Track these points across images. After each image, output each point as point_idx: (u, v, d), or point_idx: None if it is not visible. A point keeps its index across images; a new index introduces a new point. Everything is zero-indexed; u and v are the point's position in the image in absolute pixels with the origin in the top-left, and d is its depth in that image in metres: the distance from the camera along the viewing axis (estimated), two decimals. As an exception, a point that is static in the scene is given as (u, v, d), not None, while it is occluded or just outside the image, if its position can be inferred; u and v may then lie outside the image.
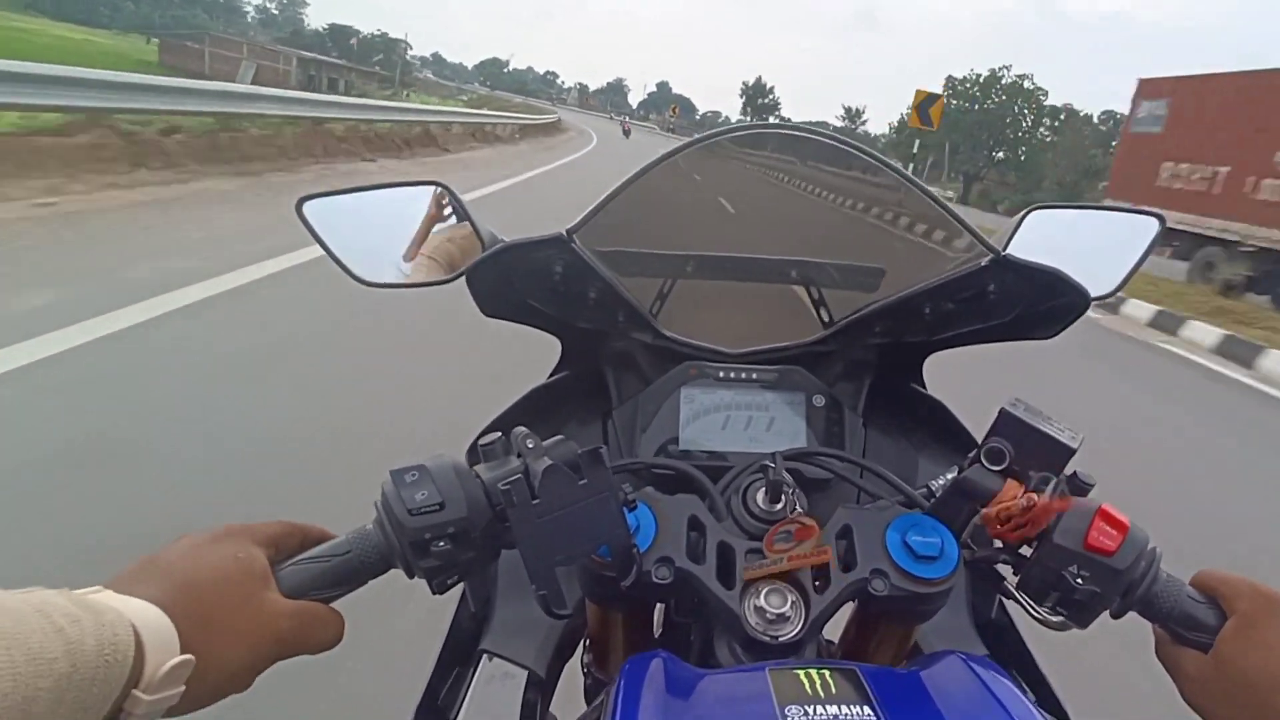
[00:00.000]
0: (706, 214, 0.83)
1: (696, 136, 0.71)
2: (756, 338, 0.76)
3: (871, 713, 0.37)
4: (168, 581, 0.38)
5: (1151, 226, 0.78)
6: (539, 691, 0.62)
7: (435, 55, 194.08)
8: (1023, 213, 0.75)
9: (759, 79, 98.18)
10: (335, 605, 0.46)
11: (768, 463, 0.57)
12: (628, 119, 65.43)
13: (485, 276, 0.63)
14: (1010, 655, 0.65)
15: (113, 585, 0.37)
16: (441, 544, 0.44)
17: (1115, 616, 0.50)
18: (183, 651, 0.36)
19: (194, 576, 0.39)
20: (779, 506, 0.56)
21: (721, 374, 0.72)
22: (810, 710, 0.37)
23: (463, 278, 0.63)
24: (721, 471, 0.61)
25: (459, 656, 0.64)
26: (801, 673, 0.40)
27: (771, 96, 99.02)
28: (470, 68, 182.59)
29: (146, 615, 0.36)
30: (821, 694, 0.38)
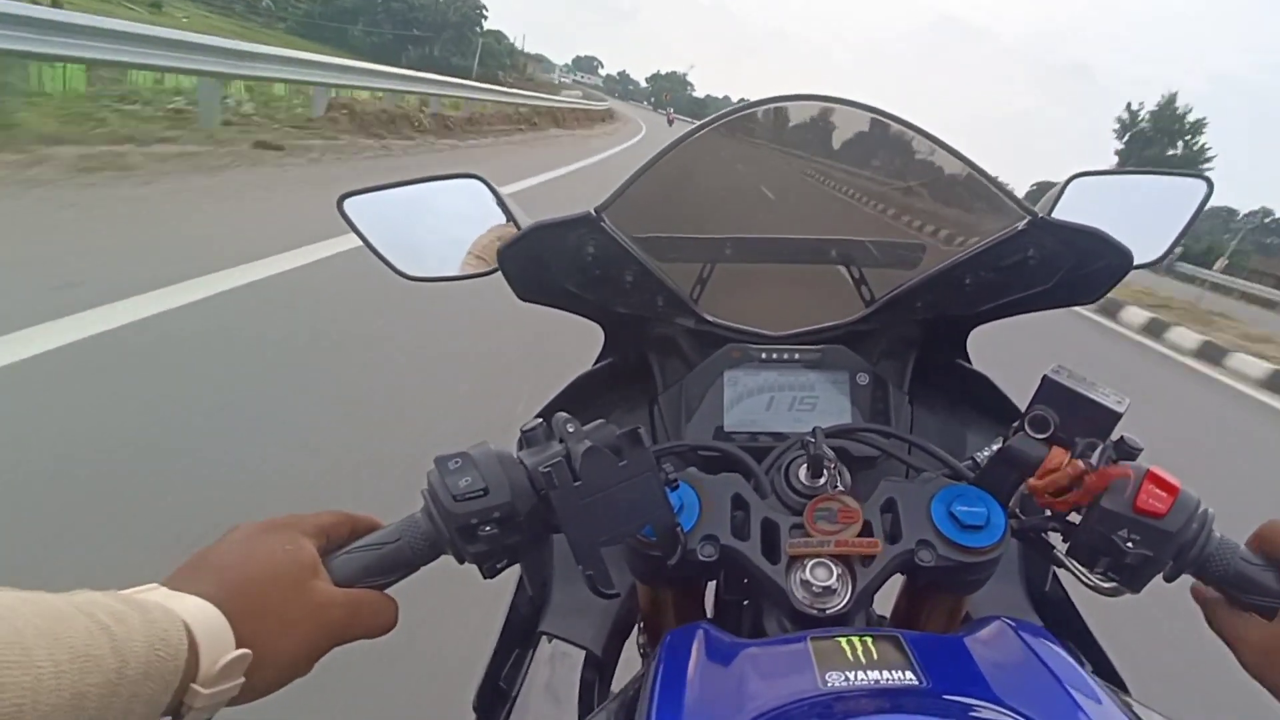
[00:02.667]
0: (741, 197, 0.83)
1: (724, 111, 0.70)
2: (799, 318, 0.76)
3: (914, 677, 0.37)
4: (220, 577, 0.40)
5: (1199, 189, 0.76)
6: (597, 671, 0.63)
7: (622, 73, 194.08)
8: (1065, 180, 0.74)
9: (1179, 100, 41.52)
10: (389, 592, 0.47)
11: (809, 438, 0.57)
12: (671, 110, 68.99)
13: (518, 259, 0.63)
14: (1066, 627, 0.64)
15: (166, 583, 0.39)
16: (488, 529, 0.46)
17: (1168, 580, 0.50)
18: (238, 645, 0.37)
19: (245, 571, 0.40)
20: (820, 481, 0.56)
21: (764, 355, 0.72)
22: (851, 676, 0.37)
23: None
24: (767, 452, 0.62)
25: (518, 638, 0.66)
26: (843, 640, 0.40)
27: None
28: (642, 83, 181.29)
29: (199, 612, 0.37)
30: (863, 660, 0.38)
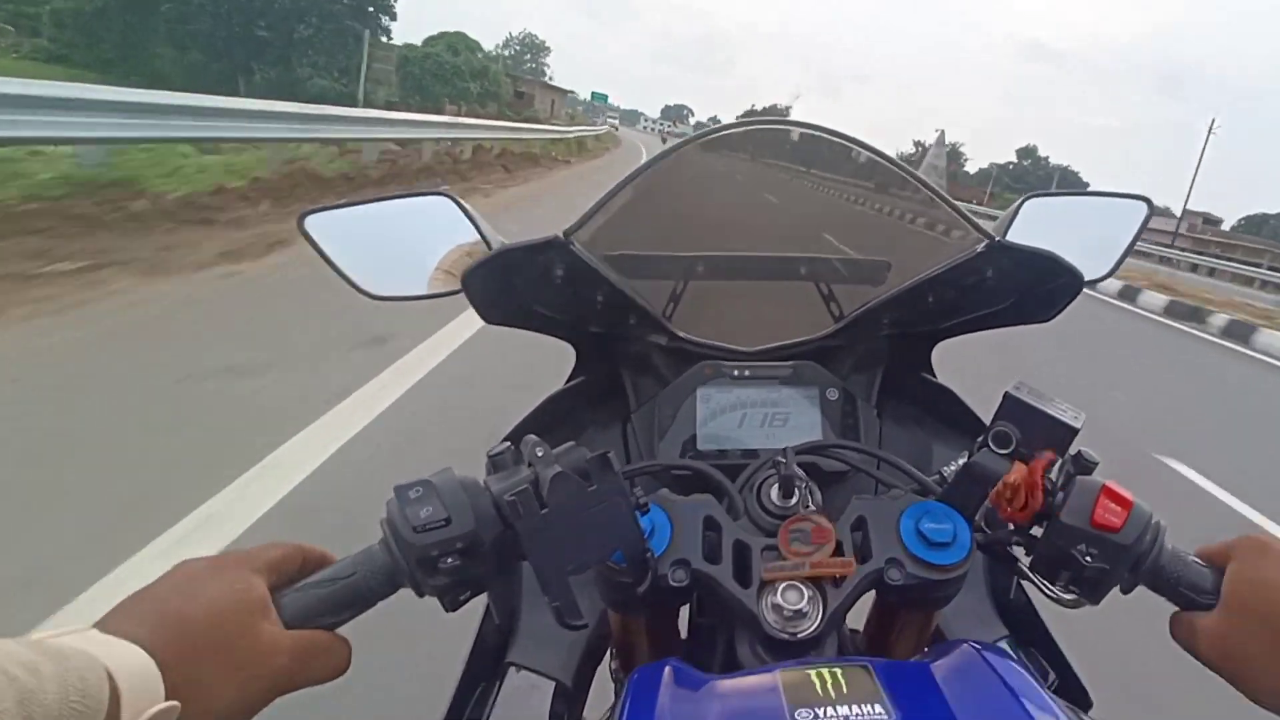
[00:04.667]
0: (713, 215, 0.84)
1: (694, 134, 0.71)
2: (770, 334, 0.76)
3: (883, 710, 0.37)
4: (157, 619, 0.37)
5: (1139, 210, 0.80)
6: (567, 703, 0.62)
7: (712, 118, 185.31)
8: (1019, 201, 0.76)
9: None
10: (343, 630, 0.44)
11: (779, 458, 0.57)
12: (666, 128, 69.76)
13: (483, 282, 0.62)
14: (1030, 635, 0.66)
15: (100, 624, 0.36)
16: (450, 560, 0.43)
17: (1125, 591, 0.51)
18: (168, 696, 0.34)
19: (186, 613, 0.38)
20: (792, 501, 0.56)
21: (736, 372, 0.72)
22: (821, 712, 0.37)
23: None
24: (741, 469, 0.62)
25: (485, 670, 0.64)
26: (813, 673, 0.40)
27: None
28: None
29: (127, 658, 0.34)
30: (833, 694, 0.38)
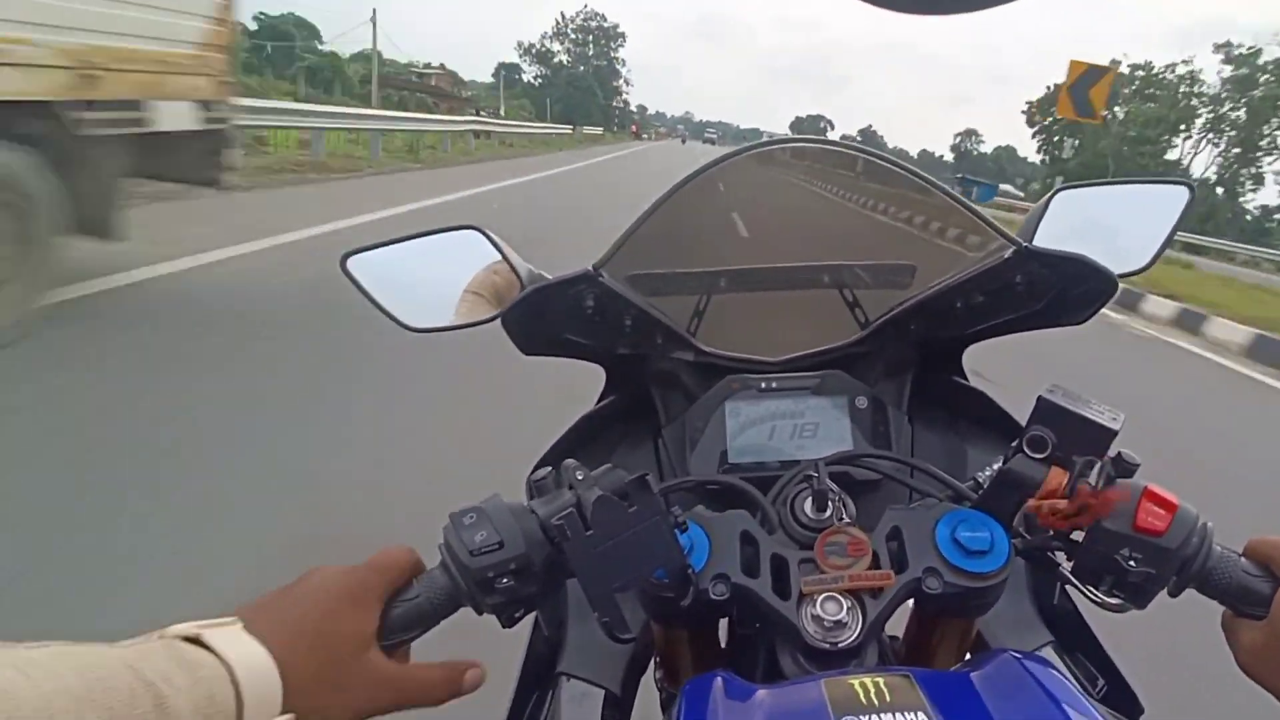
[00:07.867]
0: (734, 228, 0.84)
1: (724, 154, 0.72)
2: (796, 344, 0.77)
3: (926, 718, 0.38)
4: (287, 626, 0.41)
5: (1181, 196, 0.77)
6: (617, 709, 0.63)
7: (866, 129, 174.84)
8: (1049, 195, 0.75)
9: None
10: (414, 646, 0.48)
11: (811, 472, 0.58)
12: (684, 133, 70.00)
13: (519, 319, 0.66)
14: (1076, 640, 0.65)
15: (241, 613, 0.40)
16: (505, 580, 0.47)
17: (1172, 595, 0.50)
18: (285, 708, 0.38)
19: (309, 625, 0.41)
20: (826, 514, 0.56)
21: (764, 385, 0.73)
22: (865, 719, 0.38)
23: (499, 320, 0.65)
24: (773, 482, 0.62)
25: (537, 680, 0.66)
26: (856, 682, 0.41)
27: None
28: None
29: (256, 668, 0.37)
30: (876, 702, 0.39)
